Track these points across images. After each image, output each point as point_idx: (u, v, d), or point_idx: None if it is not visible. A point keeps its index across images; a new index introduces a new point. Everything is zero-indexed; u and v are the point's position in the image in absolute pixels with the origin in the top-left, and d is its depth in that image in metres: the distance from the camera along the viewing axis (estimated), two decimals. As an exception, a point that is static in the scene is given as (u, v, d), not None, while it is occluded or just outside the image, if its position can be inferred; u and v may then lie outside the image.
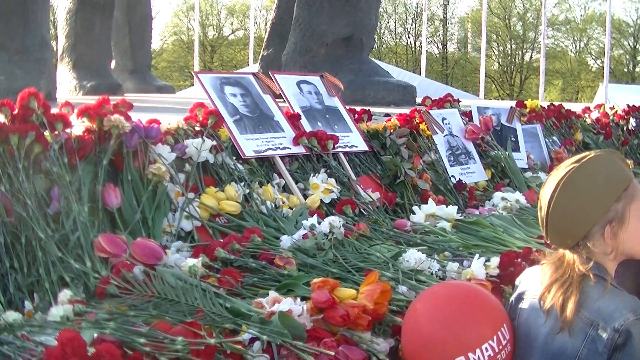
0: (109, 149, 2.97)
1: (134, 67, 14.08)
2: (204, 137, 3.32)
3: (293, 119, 3.81)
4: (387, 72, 10.09)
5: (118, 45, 14.00)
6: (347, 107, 4.28)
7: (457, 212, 3.54)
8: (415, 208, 3.55)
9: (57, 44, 15.30)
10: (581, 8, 41.08)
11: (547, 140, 5.49)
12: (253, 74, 3.89)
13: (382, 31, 41.73)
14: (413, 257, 2.79)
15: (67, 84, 13.20)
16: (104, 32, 13.49)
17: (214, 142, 3.32)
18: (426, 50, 29.15)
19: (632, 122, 6.78)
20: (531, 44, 40.37)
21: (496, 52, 41.21)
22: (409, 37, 42.32)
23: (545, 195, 2.16)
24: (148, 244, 2.63)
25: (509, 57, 41.22)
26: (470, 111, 5.03)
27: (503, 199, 3.99)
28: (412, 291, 2.58)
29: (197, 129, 3.45)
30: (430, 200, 3.59)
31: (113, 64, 13.56)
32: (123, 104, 3.19)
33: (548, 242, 2.25)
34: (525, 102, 5.72)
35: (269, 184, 3.42)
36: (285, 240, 2.93)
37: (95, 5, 13.21)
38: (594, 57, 40.67)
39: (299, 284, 2.50)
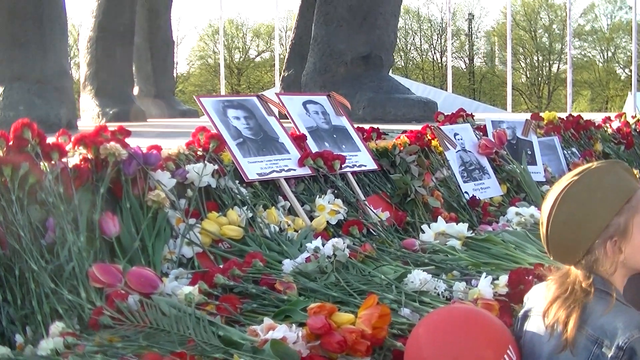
0: (106, 177, 2.93)
1: (157, 92, 14.13)
2: (205, 161, 3.27)
3: (299, 140, 3.76)
4: (408, 89, 10.02)
5: (140, 71, 14.06)
6: (356, 126, 4.21)
7: (469, 230, 3.45)
8: (424, 227, 3.47)
9: (79, 72, 15.41)
10: (607, 17, 40.81)
11: (565, 152, 5.38)
12: (257, 95, 3.84)
13: (408, 48, 41.79)
14: (418, 277, 2.71)
15: (89, 112, 13.26)
16: (125, 59, 13.54)
17: (216, 167, 3.27)
18: (452, 66, 29.03)
19: (655, 130, 6.64)
20: (558, 55, 40.12)
21: (523, 65, 41.03)
22: (434, 53, 42.26)
23: (545, 210, 2.07)
24: (143, 272, 2.57)
25: (536, 69, 41.02)
26: (485, 125, 4.94)
27: (517, 214, 3.90)
28: (416, 313, 2.50)
29: (200, 153, 3.40)
30: (440, 218, 3.51)
31: (136, 90, 13.64)
32: (120, 131, 3.15)
33: (551, 258, 2.16)
34: (541, 114, 5.62)
35: (274, 206, 3.36)
36: (287, 264, 2.87)
37: (115, 33, 13.28)
38: (622, 66, 40.28)
39: (297, 309, 2.43)
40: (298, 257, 2.92)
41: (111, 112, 12.56)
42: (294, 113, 3.93)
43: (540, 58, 40.92)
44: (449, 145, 4.39)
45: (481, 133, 4.83)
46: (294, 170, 3.57)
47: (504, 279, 2.74)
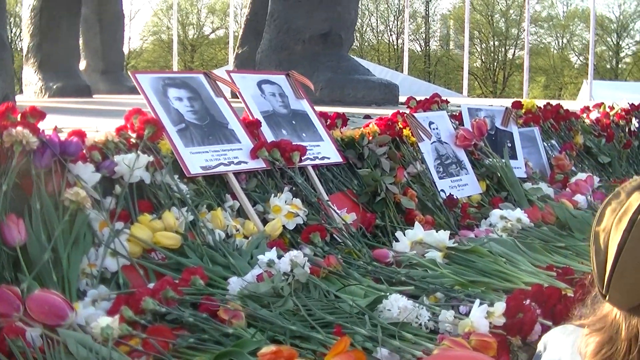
0: (11, 171, 2.35)
1: (106, 68, 13.44)
2: (138, 151, 2.70)
3: (252, 126, 3.19)
4: (368, 70, 9.50)
5: (89, 45, 13.40)
6: (318, 111, 3.66)
7: (450, 237, 2.93)
8: (398, 234, 2.93)
9: (22, 43, 14.69)
10: (564, 4, 40.87)
11: (545, 144, 4.89)
12: (204, 72, 3.26)
13: (364, 29, 41.66)
14: (396, 304, 2.18)
15: (32, 86, 12.60)
16: (70, 31, 12.89)
17: (151, 158, 2.70)
18: (408, 48, 28.79)
19: (635, 122, 6.15)
20: (514, 41, 40.23)
21: (479, 49, 41.02)
22: (391, 34, 42.17)
23: (609, 236, 1.46)
24: (49, 298, 2.00)
25: (492, 54, 41.02)
26: (460, 113, 4.42)
27: (502, 217, 3.38)
28: (396, 354, 1.98)
29: (134, 141, 2.83)
30: (416, 223, 2.97)
31: (83, 65, 13.00)
32: (32, 113, 2.58)
33: (605, 296, 1.55)
34: (521, 102, 5.10)
35: (220, 207, 2.80)
36: (235, 284, 2.32)
37: (60, 2, 12.63)
38: (577, 54, 40.40)
39: (244, 352, 1.88)
40: (248, 274, 2.37)
41: (55, 86, 11.94)
42: (247, 94, 3.36)
43: (497, 43, 40.91)
44: (423, 135, 3.86)
45: (457, 122, 4.30)
46: (245, 163, 3.00)
47: (499, 307, 2.23)
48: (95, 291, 2.26)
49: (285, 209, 2.86)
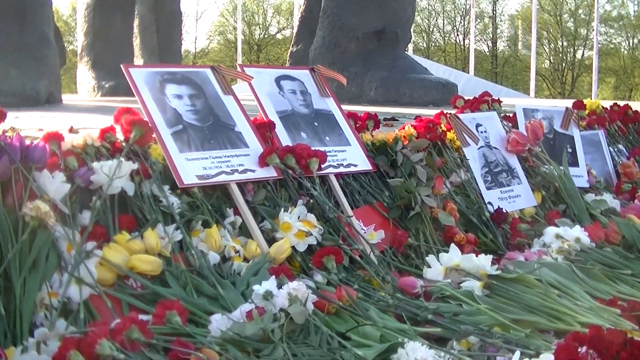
0: (-46, 180, 1.96)
1: (162, 67, 13.17)
2: (121, 157, 2.29)
3: (264, 128, 2.75)
4: (426, 69, 9.03)
5: (145, 44, 13.21)
6: (346, 111, 3.20)
7: (493, 263, 2.44)
8: (430, 259, 2.46)
9: (77, 42, 14.57)
10: (634, 4, 39.80)
11: (611, 149, 4.36)
12: (212, 67, 2.83)
13: (431, 29, 41.35)
14: (413, 356, 1.72)
15: (85, 85, 12.46)
16: (124, 30, 12.74)
17: (136, 165, 2.29)
18: (475, 49, 28.29)
19: None
20: (583, 41, 39.38)
21: (547, 50, 40.31)
22: (457, 35, 41.66)
23: None
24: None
25: (560, 55, 40.22)
26: (514, 114, 3.92)
27: (558, 236, 2.88)
28: None
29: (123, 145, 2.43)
30: (452, 246, 2.49)
31: (141, 64, 12.78)
32: (-9, 111, 2.19)
33: None
34: (584, 102, 4.57)
35: (218, 224, 2.37)
36: (217, 323, 1.88)
37: (114, 0, 12.47)
38: (648, 54, 39.33)
39: None
40: (236, 310, 1.93)
41: (107, 85, 11.78)
42: (261, 91, 2.91)
43: (565, 43, 40.12)
44: (469, 139, 3.37)
45: (510, 124, 3.80)
46: (253, 171, 2.56)
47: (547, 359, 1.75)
48: (44, 330, 1.84)
49: (296, 226, 2.41)
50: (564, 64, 40.08)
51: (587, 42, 38.43)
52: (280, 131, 2.81)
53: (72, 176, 2.22)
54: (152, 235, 2.15)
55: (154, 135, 2.45)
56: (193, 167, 2.44)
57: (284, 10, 41.17)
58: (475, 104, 3.79)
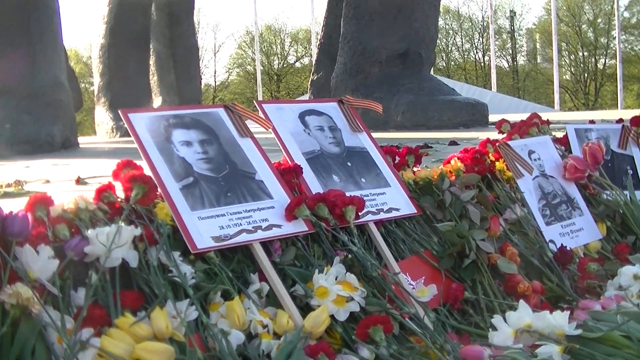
0: None
1: (182, 102, 12.96)
2: (121, 222, 1.91)
3: (288, 174, 2.36)
4: (453, 90, 8.70)
5: (163, 81, 13.01)
6: (382, 146, 2.81)
7: (571, 319, 2.03)
8: (496, 320, 2.04)
9: (94, 83, 14.39)
10: (655, 10, 39.50)
11: (673, 169, 3.93)
12: (225, 106, 2.45)
13: (450, 48, 41.31)
14: None
15: (104, 126, 12.28)
16: (140, 68, 12.58)
17: (139, 230, 1.91)
18: (495, 65, 27.96)
19: None
20: (604, 50, 39.11)
21: (567, 61, 40.11)
22: (476, 52, 41.56)
23: None
24: None
25: (582, 65, 39.95)
26: (565, 136, 3.52)
27: (637, 277, 2.48)
28: None
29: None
30: (521, 302, 2.07)
31: (159, 101, 12.61)
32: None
33: None
34: (640, 118, 4.14)
35: (241, 293, 1.99)
36: None
37: (128, 39, 12.32)
38: (670, 60, 38.99)
39: None
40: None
41: (125, 126, 11.52)
42: (284, 131, 2.52)
43: (586, 53, 39.85)
44: (522, 169, 2.97)
45: (562, 147, 3.40)
46: (279, 227, 2.17)
47: None
48: None
49: (334, 291, 2.02)
50: (585, 75, 39.96)
51: (608, 50, 38.25)
52: (309, 176, 2.41)
53: (63, 248, 1.85)
54: (161, 315, 1.77)
55: (159, 192, 2.08)
56: (208, 227, 2.05)
57: (301, 38, 41.38)
58: (524, 128, 3.39)
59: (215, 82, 41.74)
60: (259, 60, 28.59)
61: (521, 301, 2.08)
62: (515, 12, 41.13)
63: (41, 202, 1.97)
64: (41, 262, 1.74)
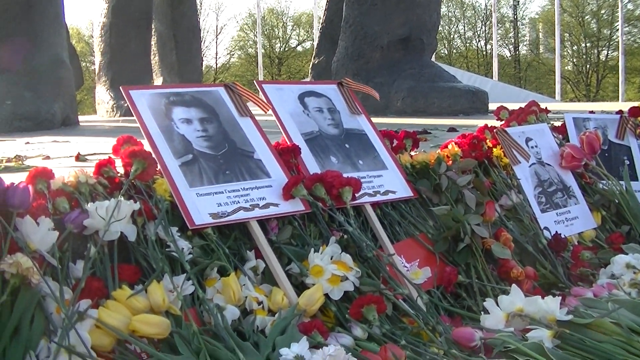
0: None
1: (183, 83, 12.95)
2: (120, 196, 1.93)
3: (287, 154, 2.38)
4: (454, 77, 8.68)
5: (164, 61, 12.98)
6: (384, 129, 2.83)
7: (562, 304, 2.06)
8: (488, 303, 2.07)
9: (94, 62, 14.38)
10: (658, 2, 39.35)
11: (669, 159, 3.95)
12: (225, 85, 2.47)
13: (452, 36, 41.18)
14: None
15: (104, 105, 12.27)
16: (141, 48, 12.55)
17: (137, 205, 1.93)
18: (497, 54, 27.91)
19: None
20: (607, 42, 38.93)
21: (570, 52, 39.97)
22: (479, 40, 41.43)
23: None
24: None
25: (584, 57, 39.81)
26: (563, 124, 3.54)
27: (629, 266, 2.50)
28: None
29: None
30: (514, 287, 2.10)
31: (160, 81, 12.59)
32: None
33: None
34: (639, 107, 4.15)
35: (237, 270, 2.01)
36: (236, 404, 1.52)
37: (130, 18, 12.28)
38: (674, 52, 38.87)
39: None
40: (260, 384, 1.57)
41: (126, 105, 11.50)
42: (283, 111, 2.54)
43: (589, 45, 39.72)
44: (519, 156, 2.99)
45: (560, 136, 3.42)
46: (276, 205, 2.20)
47: None
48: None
49: (329, 270, 2.05)
50: (588, 66, 39.75)
51: (611, 42, 38.09)
52: (307, 156, 2.44)
53: (63, 221, 1.87)
54: (157, 289, 1.79)
55: (159, 168, 2.10)
56: (206, 203, 2.08)
57: (303, 22, 41.22)
58: (522, 116, 3.41)
59: (217, 63, 41.67)
60: (261, 43, 28.49)
61: (514, 285, 2.11)
62: (518, 1, 40.95)
63: (42, 175, 1.99)
64: (41, 233, 1.76)
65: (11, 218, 1.75)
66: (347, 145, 2.58)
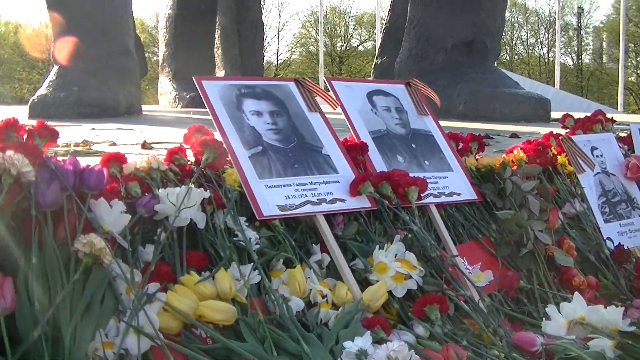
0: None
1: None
2: (191, 183, 1.97)
3: (355, 151, 2.41)
4: (516, 83, 8.62)
5: (227, 55, 13.10)
6: (449, 132, 2.84)
7: (624, 315, 2.05)
8: (550, 309, 2.07)
9: (158, 53, 14.53)
10: None
11: None
12: (295, 79, 2.51)
13: (514, 42, 40.85)
14: None
15: (167, 95, 12.40)
16: (205, 41, 12.66)
17: (207, 193, 1.97)
18: (560, 62, 27.61)
19: None
20: (672, 54, 38.42)
21: (634, 63, 39.37)
22: (541, 47, 41.01)
23: None
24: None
25: (649, 68, 39.38)
26: (629, 135, 3.50)
27: (694, 280, 2.49)
28: None
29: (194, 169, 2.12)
30: (576, 294, 2.10)
31: (223, 74, 12.71)
32: (41, 131, 1.89)
33: None
34: None
35: (303, 262, 2.04)
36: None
37: (196, 11, 12.40)
38: None
39: None
40: (324, 375, 1.60)
41: (188, 96, 11.68)
42: (352, 108, 2.57)
43: (653, 56, 39.28)
44: (584, 165, 2.98)
45: (625, 146, 3.39)
46: (343, 201, 2.22)
47: None
48: (92, 394, 1.53)
49: (393, 267, 2.06)
50: (652, 78, 39.33)
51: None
52: (374, 154, 2.46)
53: (134, 205, 1.91)
54: (225, 276, 1.83)
55: (229, 158, 2.14)
56: (274, 195, 2.11)
57: (365, 22, 41.25)
58: (588, 124, 3.38)
59: (278, 60, 41.92)
60: (322, 41, 28.54)
61: (576, 293, 2.10)
62: (583, 9, 40.57)
63: (115, 159, 2.04)
64: (114, 215, 1.80)
65: (86, 199, 1.80)
66: (413, 145, 2.60)
